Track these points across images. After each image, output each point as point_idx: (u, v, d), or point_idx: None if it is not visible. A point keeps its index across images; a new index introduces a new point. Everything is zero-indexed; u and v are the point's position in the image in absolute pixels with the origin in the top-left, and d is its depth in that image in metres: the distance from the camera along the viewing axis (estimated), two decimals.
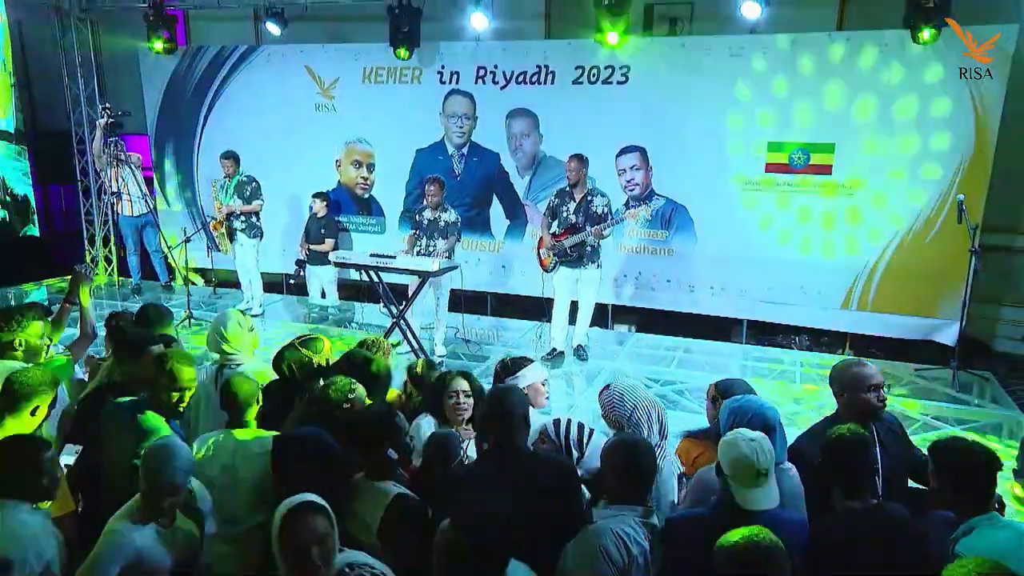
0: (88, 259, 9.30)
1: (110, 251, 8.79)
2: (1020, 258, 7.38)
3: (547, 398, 3.61)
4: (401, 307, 6.12)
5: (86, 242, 9.15)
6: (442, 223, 6.61)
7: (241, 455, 2.90)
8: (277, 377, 3.56)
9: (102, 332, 4.17)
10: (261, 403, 3.11)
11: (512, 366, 3.53)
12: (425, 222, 6.68)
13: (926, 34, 6.25)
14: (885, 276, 7.12)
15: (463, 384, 3.28)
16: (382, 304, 7.64)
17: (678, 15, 8.10)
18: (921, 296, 7.03)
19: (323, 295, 8.36)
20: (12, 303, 5.52)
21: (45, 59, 9.42)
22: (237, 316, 3.85)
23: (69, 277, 4.21)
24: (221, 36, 9.44)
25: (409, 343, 6.10)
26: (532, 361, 3.61)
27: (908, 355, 7.06)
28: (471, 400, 3.26)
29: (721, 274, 7.65)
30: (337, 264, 6.25)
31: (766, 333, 7.84)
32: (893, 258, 7.06)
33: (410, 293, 6.41)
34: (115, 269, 9.04)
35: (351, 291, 8.80)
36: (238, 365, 3.72)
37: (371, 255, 6.07)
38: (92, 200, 9.11)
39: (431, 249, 6.52)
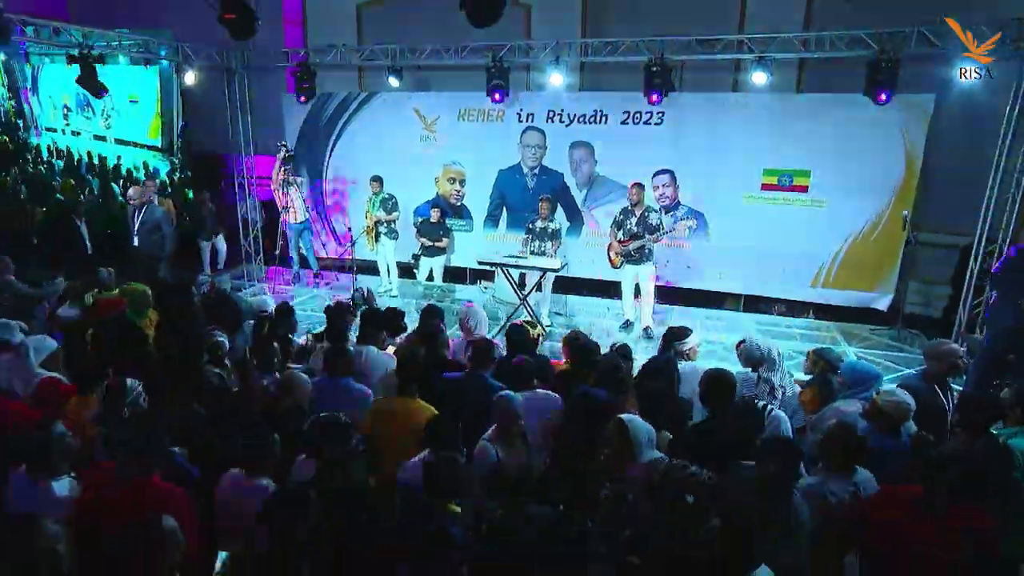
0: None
1: (265, 245, 10.41)
2: (918, 248, 8.65)
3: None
4: (525, 292, 8.00)
5: (241, 238, 10.73)
6: (550, 230, 8.34)
7: None
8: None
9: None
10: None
11: (680, 333, 4.48)
12: (537, 229, 8.42)
13: (883, 97, 7.37)
14: (842, 263, 8.74)
15: None
16: (482, 285, 9.54)
17: (672, 66, 9.10)
18: (865, 277, 8.70)
19: (430, 278, 9.95)
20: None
21: (199, 99, 10.78)
22: (479, 308, 5.42)
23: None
24: (333, 85, 10.53)
25: (531, 316, 7.98)
26: (691, 331, 4.49)
27: (848, 318, 8.84)
28: None
29: (726, 262, 9.23)
30: (481, 263, 8.00)
31: (755, 303, 9.58)
32: (848, 250, 8.69)
33: (524, 282, 8.29)
34: (263, 260, 10.68)
35: (448, 276, 10.33)
36: None
37: (507, 256, 7.89)
38: (247, 208, 10.62)
39: (543, 250, 8.24)
